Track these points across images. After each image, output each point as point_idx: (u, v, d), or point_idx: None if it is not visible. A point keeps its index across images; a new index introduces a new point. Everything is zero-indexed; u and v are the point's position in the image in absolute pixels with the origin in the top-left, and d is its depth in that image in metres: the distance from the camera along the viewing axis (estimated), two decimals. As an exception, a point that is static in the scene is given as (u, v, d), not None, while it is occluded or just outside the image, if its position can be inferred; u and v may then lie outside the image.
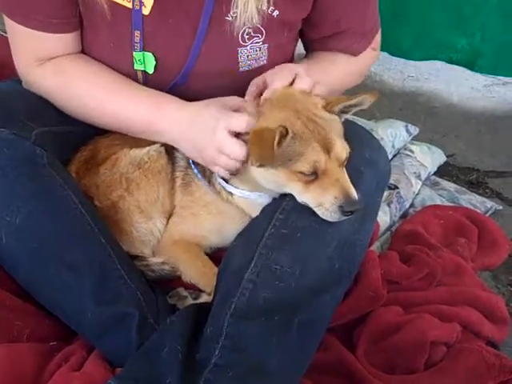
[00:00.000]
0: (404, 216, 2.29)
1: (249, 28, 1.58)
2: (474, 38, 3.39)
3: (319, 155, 1.40)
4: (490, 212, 2.39)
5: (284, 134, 1.39)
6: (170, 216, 1.68)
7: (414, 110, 3.24)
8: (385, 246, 2.13)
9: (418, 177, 2.44)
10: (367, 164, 1.60)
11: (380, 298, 1.69)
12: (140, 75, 1.62)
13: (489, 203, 2.41)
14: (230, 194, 1.60)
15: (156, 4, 1.54)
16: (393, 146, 2.51)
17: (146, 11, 1.55)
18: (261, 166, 1.44)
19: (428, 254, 1.88)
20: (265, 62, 1.65)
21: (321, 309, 1.43)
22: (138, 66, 1.60)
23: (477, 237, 2.18)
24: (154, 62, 1.60)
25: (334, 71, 1.75)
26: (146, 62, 1.59)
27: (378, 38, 1.87)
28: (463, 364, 1.59)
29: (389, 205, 2.26)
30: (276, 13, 1.58)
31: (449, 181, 2.61)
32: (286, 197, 1.51)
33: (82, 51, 1.67)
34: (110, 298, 1.43)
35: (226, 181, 1.59)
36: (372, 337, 1.64)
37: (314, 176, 1.42)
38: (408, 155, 2.52)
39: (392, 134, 2.52)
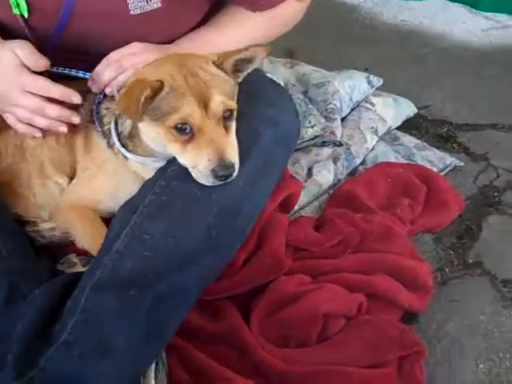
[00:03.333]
0: (353, 173, 2.19)
1: None
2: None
3: (193, 109, 1.33)
4: (448, 169, 2.26)
5: (159, 87, 1.34)
6: (71, 177, 1.63)
7: (399, 56, 3.06)
8: (323, 207, 2.05)
9: (375, 132, 2.31)
10: (267, 123, 1.51)
11: (281, 267, 1.63)
12: (20, 20, 1.54)
13: (448, 159, 2.27)
14: (125, 157, 1.53)
15: None
16: (350, 99, 2.37)
17: None
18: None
19: (349, 219, 1.79)
20: (159, 4, 1.52)
21: (184, 280, 1.37)
22: (15, 10, 1.52)
23: (424, 196, 2.07)
24: (26, 6, 1.51)
25: (235, 31, 1.63)
26: (19, 4, 1.51)
27: None
28: (358, 336, 1.54)
29: (335, 162, 2.16)
30: None
31: (415, 135, 2.47)
32: (174, 162, 1.44)
33: None
34: None
35: (124, 145, 1.52)
36: (268, 308, 1.58)
37: (190, 134, 1.35)
38: (368, 108, 2.39)
39: (350, 85, 2.38)
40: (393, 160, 2.24)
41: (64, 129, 1.53)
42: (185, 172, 1.41)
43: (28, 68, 1.48)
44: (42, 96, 1.48)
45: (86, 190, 1.60)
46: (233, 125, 1.40)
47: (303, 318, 1.53)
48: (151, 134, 1.42)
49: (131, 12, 1.53)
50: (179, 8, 1.58)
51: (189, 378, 1.45)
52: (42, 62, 1.49)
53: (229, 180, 1.36)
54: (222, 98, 1.37)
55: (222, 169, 1.33)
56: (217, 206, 1.40)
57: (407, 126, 2.51)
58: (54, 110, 1.50)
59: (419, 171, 2.15)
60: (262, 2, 1.64)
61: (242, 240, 1.50)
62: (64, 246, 1.63)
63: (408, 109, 2.50)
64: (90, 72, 1.55)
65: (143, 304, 1.32)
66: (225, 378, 1.42)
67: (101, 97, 1.56)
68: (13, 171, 1.62)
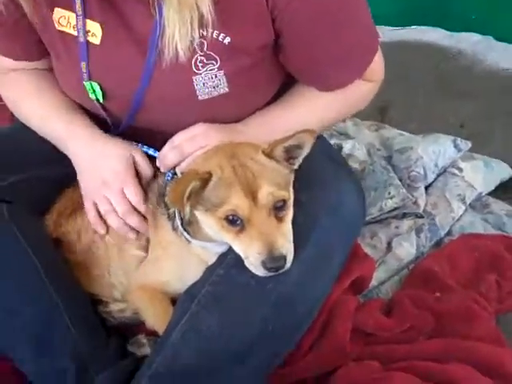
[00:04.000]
0: (438, 245, 2.11)
1: (201, 56, 1.52)
2: None
3: (241, 200, 1.34)
4: (542, 239, 2.10)
5: (207, 178, 1.37)
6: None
7: (498, 111, 2.93)
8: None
9: (462, 200, 2.21)
10: (327, 210, 1.48)
11: (345, 356, 1.58)
12: (97, 104, 1.64)
13: (545, 229, 2.13)
14: (188, 241, 1.57)
15: (105, 34, 1.55)
16: (436, 165, 2.29)
17: (96, 41, 1.56)
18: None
19: (421, 301, 1.71)
20: (226, 89, 1.56)
21: (242, 374, 1.38)
22: (91, 95, 1.61)
23: (514, 271, 1.94)
24: (101, 91, 1.60)
25: (302, 110, 1.63)
26: (95, 91, 1.60)
27: (375, 67, 1.68)
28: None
29: (418, 233, 2.09)
30: (227, 39, 1.50)
31: (508, 201, 2.33)
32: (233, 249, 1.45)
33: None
34: (48, 351, 1.47)
35: (186, 229, 1.55)
36: (335, 398, 1.53)
37: (241, 225, 1.36)
38: (454, 174, 2.30)
39: (435, 151, 2.30)
40: (481, 230, 2.13)
41: (132, 236, 1.62)
42: (243, 261, 1.41)
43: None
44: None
45: (153, 271, 1.63)
46: (287, 214, 1.39)
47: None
48: (206, 222, 1.44)
49: (199, 97, 1.57)
50: (246, 92, 1.60)
51: None
52: (150, 173, 1.62)
53: (281, 271, 1.34)
54: (271, 189, 1.36)
55: (271, 261, 1.33)
56: (273, 297, 1.40)
57: (501, 190, 2.39)
58: (135, 221, 1.60)
59: (508, 242, 2.02)
60: (331, 82, 1.63)
61: (301, 331, 1.48)
62: (135, 326, 1.66)
63: (502, 172, 2.38)
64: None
65: None
66: None
67: (168, 179, 1.60)
68: (90, 252, 1.69)
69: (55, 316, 1.51)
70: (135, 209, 1.59)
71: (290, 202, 1.42)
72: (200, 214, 1.44)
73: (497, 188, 2.38)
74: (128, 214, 1.59)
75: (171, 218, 1.58)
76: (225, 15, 1.44)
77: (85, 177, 1.63)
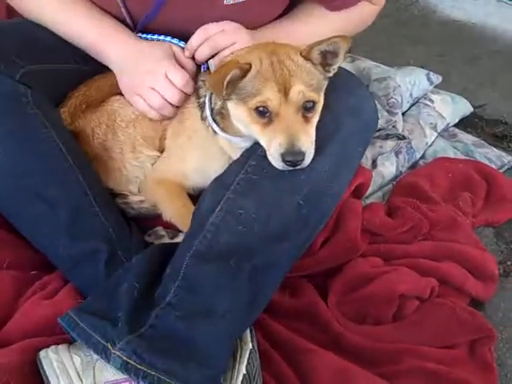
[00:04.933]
0: (413, 167, 2.26)
1: None
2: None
3: (273, 94, 1.41)
4: (506, 167, 2.32)
5: (247, 69, 1.42)
6: (161, 150, 1.72)
7: (454, 56, 3.11)
8: (386, 197, 2.11)
9: (434, 128, 2.38)
10: (349, 113, 1.57)
11: (357, 249, 1.70)
12: (119, 3, 1.64)
13: (506, 158, 2.33)
14: (215, 132, 1.61)
15: None
16: (410, 95, 2.44)
17: None
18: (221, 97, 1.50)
19: (417, 208, 1.86)
20: None
21: (278, 255, 1.45)
22: None
23: (484, 192, 2.13)
24: None
25: (312, 27, 1.71)
26: None
27: None
28: (432, 318, 1.60)
29: (397, 155, 2.23)
30: None
31: (471, 133, 2.53)
32: None
33: None
34: (81, 233, 1.50)
35: (215, 120, 1.60)
36: (345, 286, 1.65)
37: (267, 118, 1.43)
38: (427, 105, 2.45)
39: (411, 81, 2.44)
40: (452, 156, 2.30)
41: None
42: None
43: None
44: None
45: (175, 160, 1.67)
46: (314, 116, 1.47)
47: (380, 297, 1.60)
48: (236, 113, 1.50)
49: (225, 2, 1.60)
50: (264, 2, 1.65)
51: (272, 349, 1.51)
52: (190, 63, 1.65)
53: (299, 167, 1.42)
54: (303, 88, 1.43)
55: (290, 154, 1.40)
56: (306, 187, 1.47)
57: (463, 125, 2.57)
58: (178, 99, 1.62)
59: (478, 167, 2.20)
60: (337, 3, 1.72)
61: (327, 219, 1.58)
62: (151, 219, 1.70)
63: (464, 107, 2.56)
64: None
65: (242, 274, 1.39)
66: (308, 349, 1.49)
67: (205, 67, 1.64)
68: (105, 147, 1.70)
69: (86, 203, 1.53)
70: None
71: (319, 106, 1.49)
72: (232, 105, 1.49)
73: (458, 123, 2.56)
74: (180, 100, 1.61)
75: (201, 107, 1.61)
76: None
77: (126, 74, 1.63)
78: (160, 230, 1.66)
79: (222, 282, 1.38)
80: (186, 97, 1.63)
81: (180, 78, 1.58)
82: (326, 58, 1.49)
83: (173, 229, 1.67)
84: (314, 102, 1.46)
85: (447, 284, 1.72)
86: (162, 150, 1.72)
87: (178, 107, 1.64)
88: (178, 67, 1.60)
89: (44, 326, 1.43)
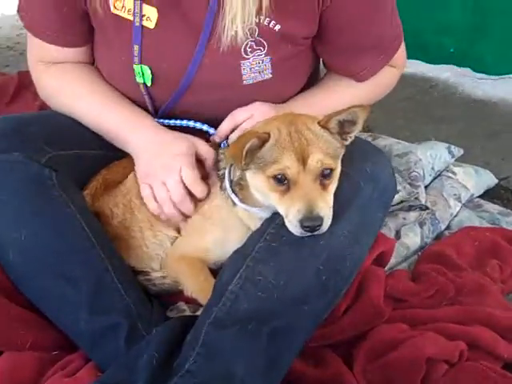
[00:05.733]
0: (438, 238, 2.24)
1: (251, 41, 1.64)
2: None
3: (291, 162, 1.46)
4: (533, 234, 2.27)
5: (266, 138, 1.48)
6: (178, 230, 1.76)
7: (475, 133, 3.15)
8: (412, 267, 2.09)
9: (458, 199, 2.38)
10: (367, 178, 1.61)
11: (381, 315, 1.67)
12: (142, 88, 1.73)
13: (534, 224, 2.30)
14: (234, 204, 1.65)
15: (161, 18, 1.64)
16: (432, 169, 2.46)
17: (151, 25, 1.65)
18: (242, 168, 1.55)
19: (443, 273, 1.84)
20: (270, 75, 1.70)
21: (297, 319, 1.45)
22: (138, 79, 1.70)
23: (513, 259, 2.09)
24: (151, 75, 1.69)
25: (339, 96, 1.77)
26: (144, 74, 1.69)
27: (399, 53, 1.85)
28: (464, 381, 1.53)
29: (421, 226, 2.22)
30: (278, 27, 1.64)
31: (497, 204, 2.51)
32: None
33: (94, 64, 1.83)
34: (102, 309, 1.53)
35: (235, 192, 1.65)
36: (371, 353, 1.62)
37: (286, 186, 1.46)
38: (449, 177, 2.47)
39: (432, 155, 2.48)
40: (478, 225, 2.28)
41: (181, 221, 1.71)
42: None
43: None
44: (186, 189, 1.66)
45: (196, 235, 1.71)
46: (332, 183, 1.51)
47: (407, 362, 1.56)
48: (255, 182, 1.55)
49: (244, 82, 1.69)
50: (287, 79, 1.75)
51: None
52: (212, 156, 1.71)
53: (316, 233, 1.45)
54: (321, 157, 1.48)
55: (308, 220, 1.43)
56: (325, 252, 1.49)
57: (489, 196, 2.57)
58: (188, 208, 1.67)
59: (506, 234, 2.18)
60: (362, 73, 1.79)
61: (348, 285, 1.58)
62: (173, 295, 1.71)
63: (489, 179, 2.57)
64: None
65: (260, 338, 1.40)
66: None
67: (225, 144, 1.72)
68: (125, 226, 1.76)
69: (107, 278, 1.57)
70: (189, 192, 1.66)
71: (337, 173, 1.54)
72: (250, 174, 1.55)
73: (483, 194, 2.55)
74: (183, 202, 1.66)
75: (220, 178, 1.67)
76: (279, 4, 1.58)
77: (144, 163, 1.69)
78: (182, 305, 1.68)
79: (240, 346, 1.39)
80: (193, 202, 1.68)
81: (189, 178, 1.64)
82: (344, 127, 1.55)
83: (195, 304, 1.67)
84: (332, 170, 1.51)
85: (478, 348, 1.67)
86: (179, 230, 1.75)
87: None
88: (192, 166, 1.65)
89: (65, 403, 1.43)
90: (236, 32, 1.57)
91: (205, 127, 1.74)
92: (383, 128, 3.13)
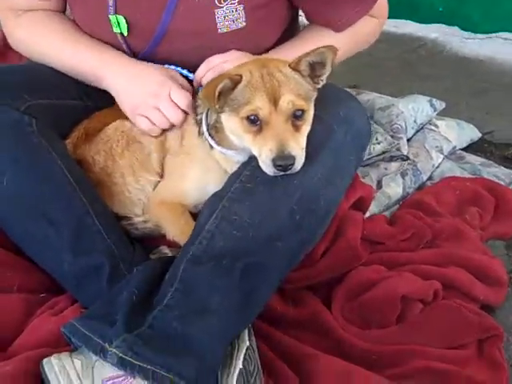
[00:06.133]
0: (420, 188, 2.27)
1: None
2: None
3: (263, 103, 1.48)
4: (515, 184, 2.31)
5: (238, 80, 1.50)
6: (160, 175, 1.79)
7: (461, 90, 3.16)
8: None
9: (440, 150, 2.40)
10: (341, 122, 1.63)
11: (358, 257, 1.71)
12: (119, 37, 1.74)
13: (516, 174, 2.33)
14: (211, 147, 1.68)
15: None
16: (415, 121, 2.48)
17: None
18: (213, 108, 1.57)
19: (420, 218, 1.87)
20: (244, 23, 1.71)
21: (270, 255, 1.47)
22: (115, 29, 1.72)
23: (493, 207, 2.13)
24: (126, 24, 1.71)
25: (314, 46, 1.77)
26: (120, 24, 1.71)
27: (380, 3, 1.85)
28: (437, 319, 1.59)
29: (403, 176, 2.25)
30: None
31: (480, 156, 2.54)
32: None
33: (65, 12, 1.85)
34: (84, 250, 1.56)
35: (211, 136, 1.67)
36: (348, 293, 1.66)
37: (258, 126, 1.49)
38: (432, 130, 2.49)
39: (414, 108, 2.49)
40: (459, 175, 2.31)
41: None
42: None
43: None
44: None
45: (176, 180, 1.74)
46: (304, 125, 1.52)
47: (383, 301, 1.60)
48: (229, 124, 1.57)
49: (219, 31, 1.70)
50: (261, 26, 1.75)
51: (273, 354, 1.52)
52: (188, 85, 1.75)
53: (289, 172, 1.47)
54: (293, 98, 1.50)
55: (280, 159, 1.45)
56: (299, 192, 1.51)
57: (473, 149, 2.59)
58: (181, 119, 1.71)
59: (486, 184, 2.21)
60: (340, 22, 1.80)
61: (323, 226, 1.61)
62: (155, 239, 1.75)
63: (472, 132, 2.59)
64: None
65: (235, 271, 1.43)
66: (311, 354, 1.50)
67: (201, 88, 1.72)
68: (107, 173, 1.78)
69: (88, 221, 1.59)
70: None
71: (309, 115, 1.56)
72: (225, 116, 1.57)
73: (467, 148, 2.58)
74: (179, 119, 1.69)
75: (198, 123, 1.69)
76: None
77: (129, 95, 1.71)
78: (164, 249, 1.71)
79: (215, 281, 1.42)
80: (186, 117, 1.71)
81: (183, 99, 1.68)
82: (315, 70, 1.56)
83: (177, 247, 1.70)
84: (304, 111, 1.52)
85: (453, 289, 1.71)
86: (161, 175, 1.78)
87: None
88: (180, 88, 1.69)
89: (50, 339, 1.47)
90: None
91: (185, 72, 1.76)
92: (370, 85, 3.13)
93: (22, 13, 1.85)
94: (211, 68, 1.68)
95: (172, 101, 1.67)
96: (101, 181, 1.77)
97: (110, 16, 1.71)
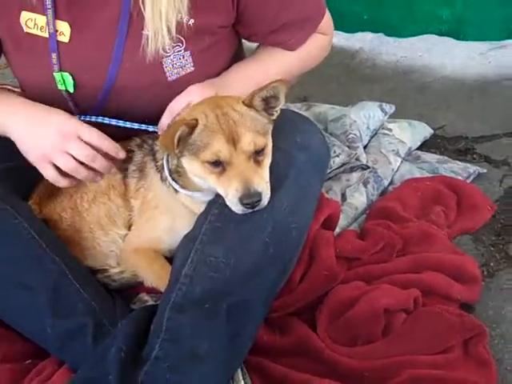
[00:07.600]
0: (383, 194, 2.31)
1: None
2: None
3: (222, 146, 1.49)
4: (472, 176, 2.38)
5: (194, 124, 1.50)
6: (129, 225, 1.78)
7: (406, 88, 3.23)
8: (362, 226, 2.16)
9: (397, 153, 2.45)
10: (299, 148, 1.65)
11: (335, 277, 1.73)
12: (65, 95, 1.72)
13: (471, 168, 2.40)
14: (176, 191, 1.68)
15: (74, 32, 1.66)
16: (368, 128, 2.53)
17: (65, 39, 1.67)
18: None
19: (388, 227, 1.90)
20: (192, 68, 1.72)
21: (251, 292, 1.49)
22: (60, 86, 1.70)
23: (455, 203, 2.19)
24: (72, 81, 1.69)
25: (272, 66, 1.81)
26: (65, 81, 1.69)
27: (326, 20, 1.90)
28: (421, 326, 1.62)
29: (365, 185, 2.29)
30: (191, 21, 1.66)
31: (435, 153, 2.60)
32: None
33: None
34: (65, 312, 1.54)
35: (175, 180, 1.67)
36: (331, 313, 1.68)
37: (221, 168, 1.50)
38: (386, 134, 2.54)
39: (365, 115, 2.54)
40: (418, 176, 2.36)
41: (100, 180, 1.67)
42: None
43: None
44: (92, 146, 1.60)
45: (146, 228, 1.74)
46: (265, 159, 1.54)
47: (366, 317, 1.63)
48: (191, 168, 1.57)
49: (169, 79, 1.71)
50: (211, 66, 1.77)
51: (270, 385, 1.53)
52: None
53: (257, 208, 1.48)
54: (251, 136, 1.51)
55: (247, 197, 1.47)
56: (270, 225, 1.53)
57: (427, 147, 2.65)
58: (102, 162, 1.61)
59: (445, 181, 2.27)
60: (292, 42, 1.84)
61: (297, 252, 1.63)
62: (134, 288, 1.74)
63: (424, 130, 2.65)
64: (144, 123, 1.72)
65: (219, 314, 1.44)
66: (303, 379, 1.51)
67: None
68: (76, 229, 1.77)
69: (64, 281, 1.58)
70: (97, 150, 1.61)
71: (268, 148, 1.57)
72: (186, 160, 1.57)
73: (421, 146, 2.64)
74: (94, 157, 1.59)
75: (159, 170, 1.69)
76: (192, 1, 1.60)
77: (32, 143, 1.61)
78: (144, 296, 1.70)
79: (200, 327, 1.43)
80: (113, 161, 1.64)
81: (95, 135, 1.58)
82: (269, 103, 1.58)
83: (157, 292, 1.70)
84: (263, 146, 1.54)
85: (432, 294, 1.75)
86: (129, 225, 1.78)
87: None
88: (88, 126, 1.59)
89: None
90: (161, 31, 1.59)
91: (143, 126, 1.73)
92: (318, 95, 3.19)
93: None
94: (177, 114, 1.67)
95: (80, 140, 1.57)
96: (70, 237, 1.76)
97: (54, 73, 1.69)
